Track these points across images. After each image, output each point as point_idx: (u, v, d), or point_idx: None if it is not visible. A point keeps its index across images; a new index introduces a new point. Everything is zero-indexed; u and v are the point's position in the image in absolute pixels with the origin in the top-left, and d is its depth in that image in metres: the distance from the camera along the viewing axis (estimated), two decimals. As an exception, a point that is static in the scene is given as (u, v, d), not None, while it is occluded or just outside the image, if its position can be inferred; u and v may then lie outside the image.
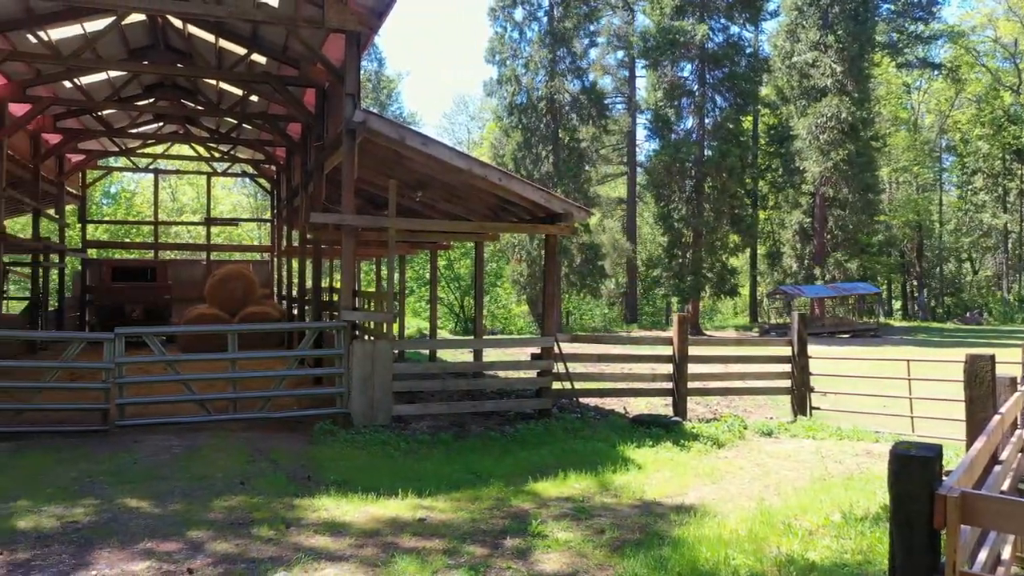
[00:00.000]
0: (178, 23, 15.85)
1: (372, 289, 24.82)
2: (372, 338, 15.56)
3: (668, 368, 12.62)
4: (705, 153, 38.25)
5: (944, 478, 2.97)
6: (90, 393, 10.35)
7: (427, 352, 18.82)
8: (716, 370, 13.64)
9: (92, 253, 26.99)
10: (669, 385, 12.55)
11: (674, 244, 38.81)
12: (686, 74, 39.78)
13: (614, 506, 7.09)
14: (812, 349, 13.67)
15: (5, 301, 22.67)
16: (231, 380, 10.54)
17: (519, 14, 39.93)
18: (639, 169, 47.26)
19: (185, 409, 10.64)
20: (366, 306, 20.13)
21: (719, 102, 39.06)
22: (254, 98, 19.05)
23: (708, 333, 39.19)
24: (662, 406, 13.26)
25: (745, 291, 51.08)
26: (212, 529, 6.14)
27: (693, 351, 12.69)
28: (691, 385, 12.60)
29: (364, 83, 46.82)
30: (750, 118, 44.29)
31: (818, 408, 13.08)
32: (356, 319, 11.33)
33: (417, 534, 6.13)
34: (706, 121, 38.64)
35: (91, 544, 5.76)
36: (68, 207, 25.06)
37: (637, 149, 48.92)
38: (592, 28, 40.63)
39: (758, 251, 47.51)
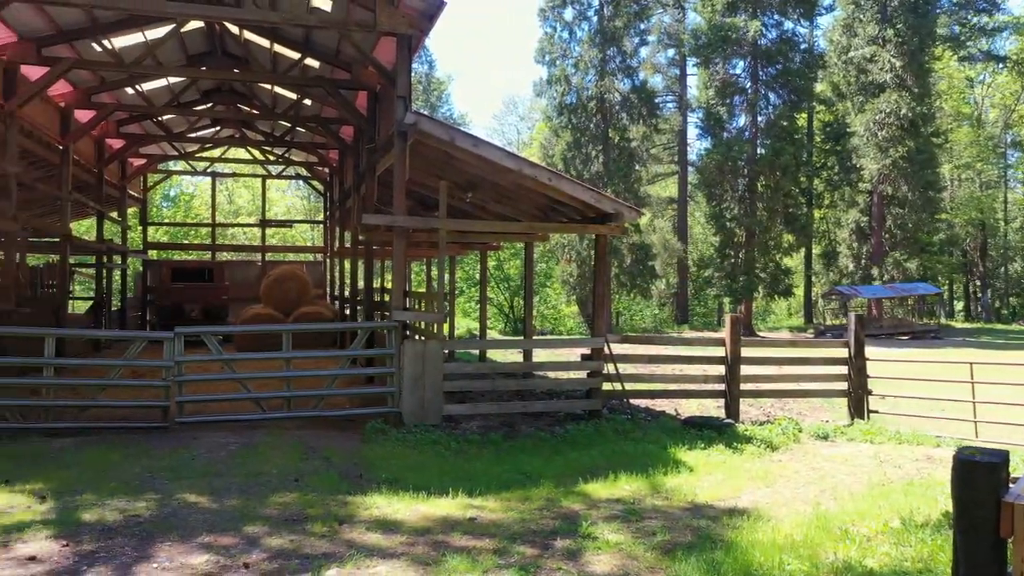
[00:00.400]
0: (234, 29, 16.22)
1: (423, 289, 25.02)
2: (423, 338, 15.69)
3: (720, 369, 12.45)
4: (758, 151, 37.64)
5: (1011, 485, 2.87)
6: (151, 391, 10.66)
7: (477, 352, 18.91)
8: (769, 372, 13.41)
9: (153, 254, 27.80)
10: (721, 387, 12.38)
11: (726, 244, 38.29)
12: (738, 71, 39.22)
13: (665, 508, 7.02)
14: (869, 351, 13.33)
15: (71, 301, 23.46)
16: (285, 379, 10.74)
17: (569, 14, 39.86)
18: (690, 168, 46.74)
19: (241, 407, 10.87)
20: (417, 306, 20.32)
21: (772, 99, 38.42)
22: (307, 102, 19.39)
23: (761, 334, 38.56)
24: (714, 408, 13.09)
25: (799, 292, 50.07)
26: (267, 525, 6.26)
27: (746, 352, 12.49)
28: (744, 387, 12.40)
29: (415, 85, 47.23)
30: (804, 115, 43.40)
31: (876, 411, 12.75)
32: (407, 319, 11.44)
33: (467, 533, 6.16)
34: (759, 119, 38.03)
35: (152, 537, 5.92)
36: (130, 210, 25.85)
37: (688, 148, 48.39)
38: (642, 26, 40.31)
39: (813, 251, 46.54)
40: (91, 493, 7.07)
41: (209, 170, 29.76)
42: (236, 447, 9.11)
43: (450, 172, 12.86)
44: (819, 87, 42.45)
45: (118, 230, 24.74)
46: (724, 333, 12.53)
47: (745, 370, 12.36)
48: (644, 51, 43.53)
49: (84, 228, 34.69)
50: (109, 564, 5.38)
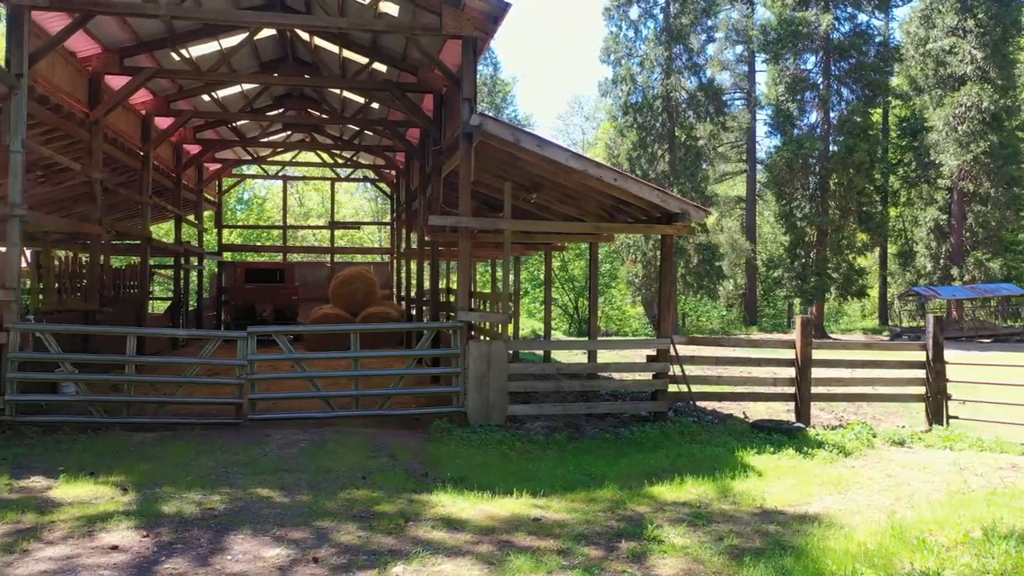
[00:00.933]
0: (305, 36, 16.62)
1: (488, 290, 25.18)
2: (487, 338, 15.78)
3: (790, 372, 12.16)
4: (830, 148, 36.65)
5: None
6: (225, 388, 11.00)
7: (541, 353, 18.89)
8: (842, 375, 13.03)
9: (227, 256, 28.69)
10: (791, 390, 12.09)
11: (797, 243, 37.39)
12: (809, 67, 38.26)
13: (733, 513, 6.90)
14: (949, 354, 12.83)
15: (151, 301, 24.39)
16: (353, 378, 10.95)
17: (634, 12, 39.57)
18: (759, 166, 45.82)
19: (311, 405, 11.13)
20: (482, 307, 20.44)
21: (845, 95, 37.35)
22: (375, 105, 19.73)
23: (834, 336, 37.52)
24: (784, 411, 12.79)
25: (874, 293, 48.50)
26: (336, 520, 6.39)
27: (817, 355, 12.17)
28: (815, 390, 12.08)
29: (480, 87, 47.59)
30: (879, 110, 42.04)
31: (956, 417, 12.26)
32: (472, 320, 11.52)
33: (532, 533, 6.17)
34: (831, 115, 37.02)
35: (226, 530, 6.11)
36: (206, 213, 26.73)
37: (757, 146, 47.48)
38: (709, 23, 39.73)
39: (888, 250, 45.03)
40: (170, 486, 7.34)
41: (280, 174, 30.54)
42: (306, 444, 9.33)
43: (515, 173, 12.91)
44: (895, 81, 41.06)
45: (195, 232, 25.60)
46: (794, 335, 12.24)
47: (816, 373, 12.04)
48: (711, 48, 42.93)
49: (163, 231, 36.00)
50: (186, 555, 5.58)
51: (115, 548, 5.68)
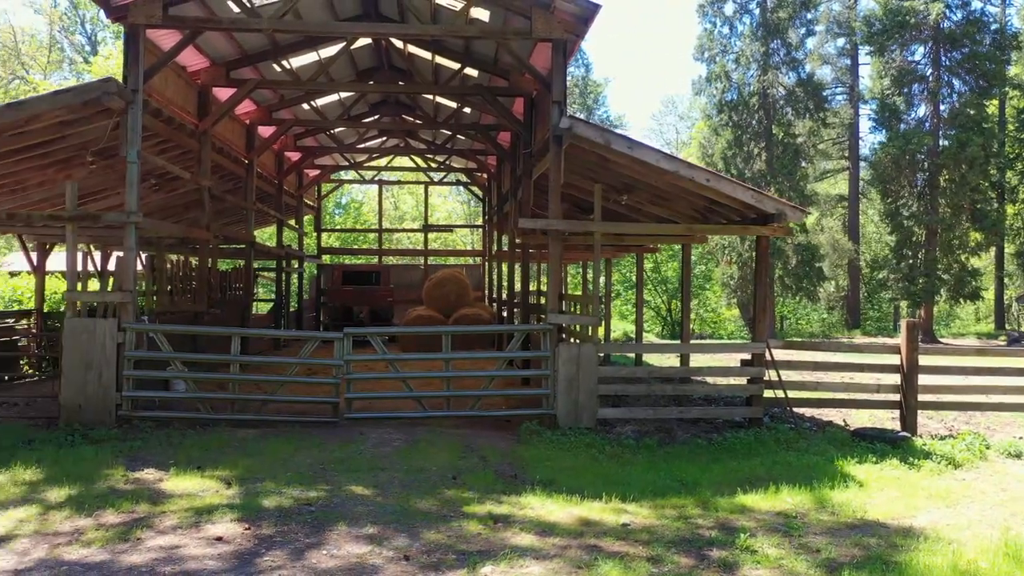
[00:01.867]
0: (399, 43, 17.00)
1: (579, 292, 25.10)
2: (577, 341, 15.74)
3: (895, 378, 11.62)
4: (940, 143, 34.83)
5: None
6: (322, 387, 11.37)
7: (633, 356, 18.70)
8: (952, 382, 12.35)
9: (326, 259, 29.57)
10: (896, 397, 11.54)
11: (903, 243, 35.71)
12: (917, 58, 36.48)
13: (831, 524, 6.66)
14: (1073, 361, 11.99)
15: (255, 302, 25.43)
16: (445, 378, 11.13)
17: (729, 8, 38.70)
18: (862, 164, 43.97)
19: (404, 405, 11.37)
20: (572, 309, 20.38)
21: (957, 86, 35.42)
22: (467, 110, 19.99)
23: (944, 341, 35.61)
24: (888, 419, 12.23)
25: (989, 295, 45.74)
26: (427, 519, 6.51)
27: (925, 361, 11.57)
28: (922, 398, 11.49)
29: (571, 88, 47.55)
30: (995, 102, 39.61)
31: (1080, 429, 11.45)
32: (562, 322, 11.52)
33: (621, 539, 6.13)
34: (941, 108, 35.20)
35: (323, 525, 6.32)
36: (306, 217, 27.69)
37: (860, 142, 45.56)
38: (809, 16, 38.39)
39: (1005, 250, 42.36)
40: (270, 481, 7.65)
41: (376, 178, 31.30)
42: (399, 443, 9.54)
43: (605, 175, 12.83)
44: (1012, 71, 38.63)
45: (295, 236, 26.56)
46: (900, 339, 11.69)
47: (924, 380, 11.46)
48: (811, 42, 41.47)
49: (266, 235, 37.47)
50: (285, 548, 5.80)
51: (219, 539, 5.96)
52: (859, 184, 43.99)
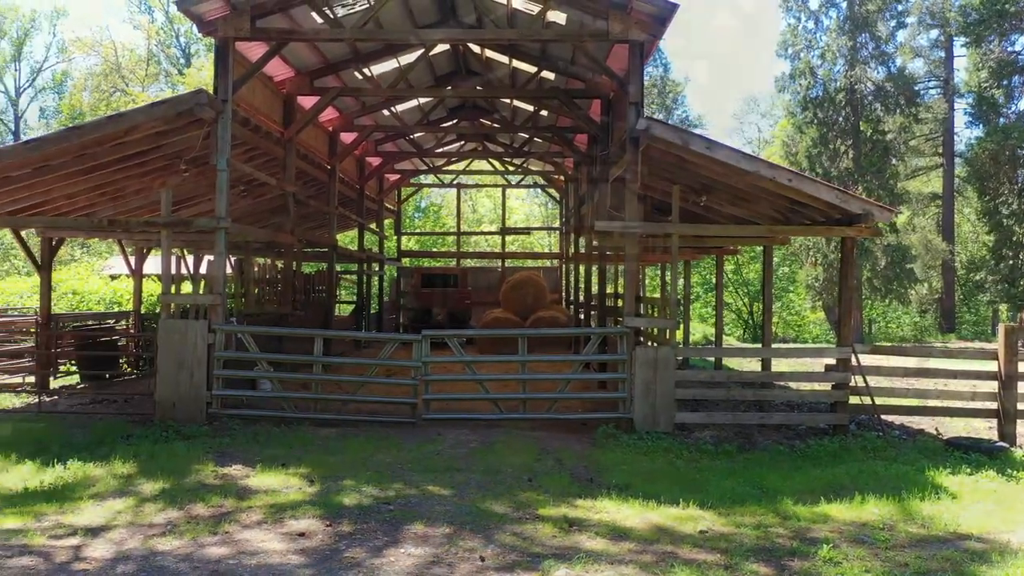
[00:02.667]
0: (476, 49, 17.18)
1: (656, 295, 24.79)
2: (655, 344, 15.56)
3: (992, 386, 11.06)
4: (1043, 138, 32.99)
5: None
6: (401, 388, 11.57)
7: (712, 359, 18.37)
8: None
9: (406, 262, 30.09)
10: (993, 405, 10.98)
11: (1002, 244, 33.94)
12: (1018, 48, 34.72)
13: (920, 537, 6.40)
14: None
15: (337, 304, 26.09)
16: (521, 381, 11.18)
17: (814, 2, 37.69)
18: (957, 160, 42.02)
19: (480, 406, 11.47)
20: (650, 312, 20.15)
21: (1062, 77, 33.52)
22: (544, 113, 20.04)
23: (1048, 346, 33.65)
24: (985, 429, 11.65)
25: (1099, 298, 43.06)
26: (502, 521, 6.56)
27: (1024, 368, 10.98)
28: (1022, 407, 10.91)
29: (649, 89, 47.01)
30: (1105, 93, 37.31)
31: None
32: (639, 325, 11.42)
33: (697, 546, 6.04)
34: (1044, 100, 33.36)
35: (400, 523, 6.45)
36: (386, 221, 28.23)
37: (955, 138, 43.50)
38: (899, 8, 37.03)
39: (1117, 250, 39.84)
40: (350, 479, 7.84)
41: (455, 182, 31.68)
42: (475, 444, 9.63)
43: (683, 176, 12.65)
44: (1125, 59, 36.30)
45: (376, 240, 27.12)
46: (998, 345, 11.13)
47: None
48: (901, 35, 39.98)
49: (348, 239, 38.40)
50: (364, 545, 5.94)
51: (302, 535, 6.15)
52: (954, 181, 42.07)
